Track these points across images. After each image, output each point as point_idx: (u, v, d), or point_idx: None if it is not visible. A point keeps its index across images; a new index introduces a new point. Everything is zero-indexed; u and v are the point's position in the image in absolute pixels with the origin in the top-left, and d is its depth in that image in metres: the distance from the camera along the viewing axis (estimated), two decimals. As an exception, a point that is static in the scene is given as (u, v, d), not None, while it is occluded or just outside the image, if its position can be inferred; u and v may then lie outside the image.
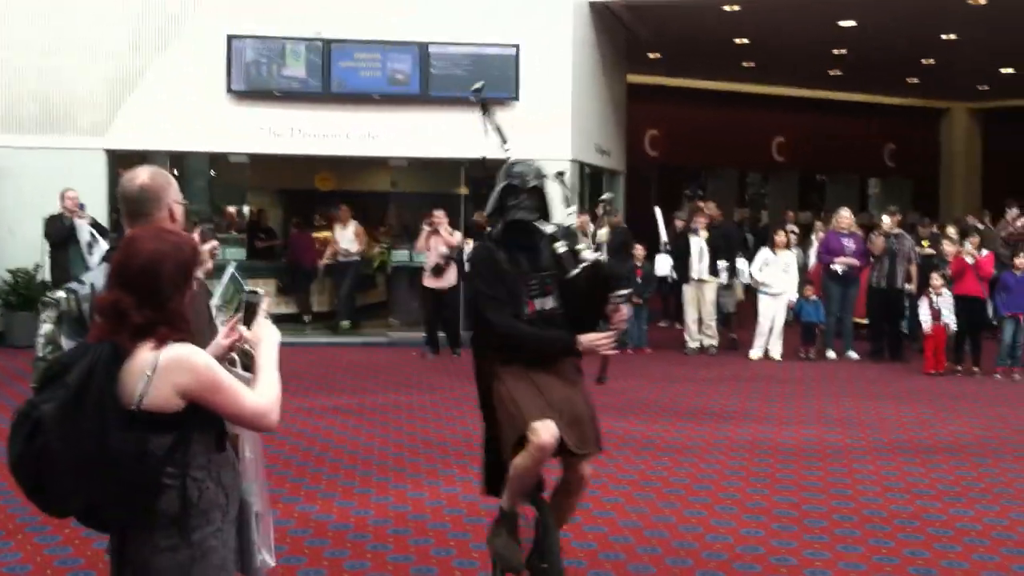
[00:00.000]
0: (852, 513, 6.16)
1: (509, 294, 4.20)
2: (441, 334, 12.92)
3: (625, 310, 4.36)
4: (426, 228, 12.82)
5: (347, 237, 14.61)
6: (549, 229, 4.34)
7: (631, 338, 13.11)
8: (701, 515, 6.11)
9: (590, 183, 15.72)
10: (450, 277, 12.69)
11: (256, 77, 13.67)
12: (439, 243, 12.64)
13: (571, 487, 4.30)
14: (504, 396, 4.18)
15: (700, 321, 13.22)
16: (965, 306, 11.57)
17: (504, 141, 4.44)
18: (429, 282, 12.77)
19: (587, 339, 4.19)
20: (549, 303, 4.27)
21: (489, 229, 4.44)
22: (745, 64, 21.49)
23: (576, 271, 4.23)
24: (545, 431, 4.02)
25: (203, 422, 2.73)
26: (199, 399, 2.68)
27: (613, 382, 10.47)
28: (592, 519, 5.97)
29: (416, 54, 13.81)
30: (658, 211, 13.73)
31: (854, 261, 12.66)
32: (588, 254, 4.26)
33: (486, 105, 4.56)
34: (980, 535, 5.79)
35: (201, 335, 2.96)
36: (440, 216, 12.74)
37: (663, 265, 13.52)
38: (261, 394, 2.78)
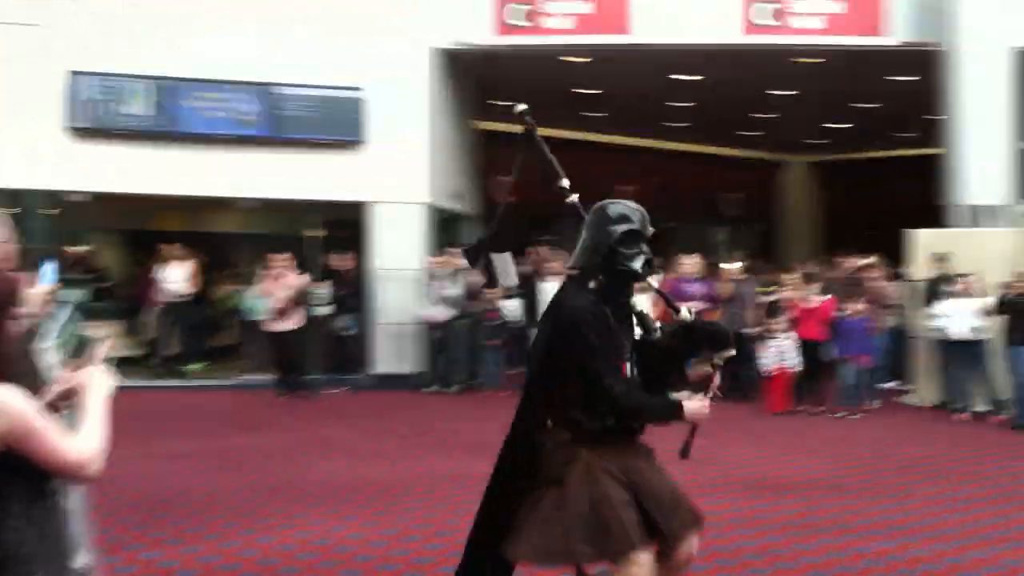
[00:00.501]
0: (701, 548, 6.25)
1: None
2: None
3: (718, 374, 3.93)
4: (266, 272, 12.72)
5: (178, 277, 14.21)
6: None
7: (488, 380, 13.21)
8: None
9: (444, 228, 15.78)
10: (294, 319, 12.58)
11: (98, 114, 13.29)
12: (279, 287, 12.53)
13: (679, 568, 3.92)
14: (602, 500, 3.65)
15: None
16: (807, 348, 12.03)
17: (559, 175, 4.10)
18: (271, 326, 12.64)
19: (693, 406, 3.81)
20: (631, 367, 3.84)
21: (578, 277, 3.84)
22: (591, 114, 22.03)
23: (658, 332, 3.88)
24: (647, 568, 3.65)
25: (23, 469, 2.57)
26: (14, 445, 2.51)
27: (469, 422, 10.45)
28: (424, 552, 5.91)
29: (260, 95, 13.69)
30: (503, 255, 13.90)
31: (700, 306, 12.99)
32: (684, 313, 3.93)
33: (532, 131, 4.22)
34: (824, 567, 5.97)
35: (27, 378, 2.80)
36: (281, 260, 12.65)
37: (513, 308, 13.62)
38: (83, 443, 2.61)
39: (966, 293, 11.73)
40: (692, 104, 20.69)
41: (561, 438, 3.76)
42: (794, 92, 19.17)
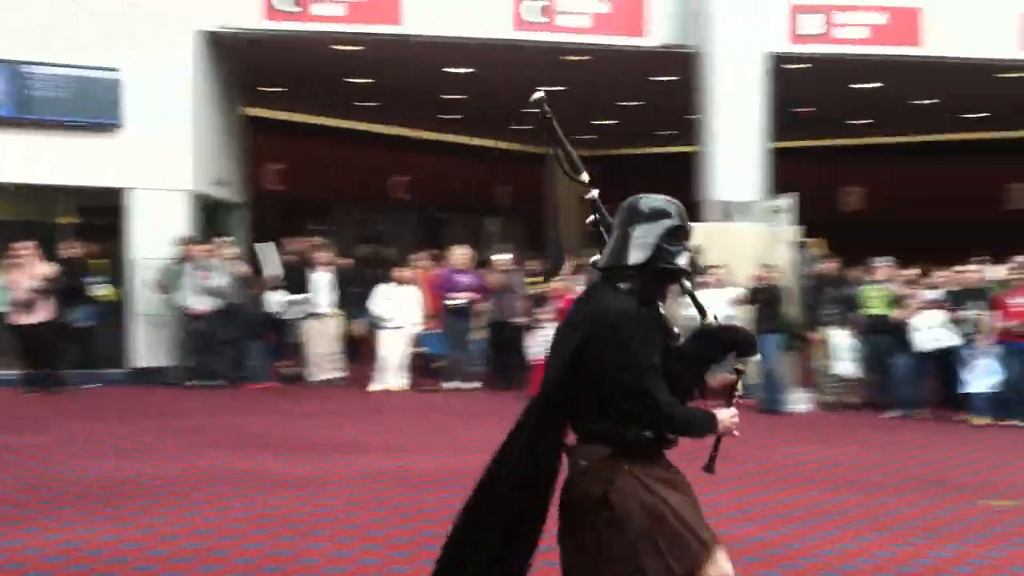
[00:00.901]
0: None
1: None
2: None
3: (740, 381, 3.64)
4: (9, 261, 11.95)
5: None
6: None
7: (253, 373, 12.90)
8: (321, 547, 6.02)
9: (210, 216, 15.27)
10: (43, 312, 11.88)
11: None
12: (24, 277, 11.81)
13: None
14: (664, 510, 3.32)
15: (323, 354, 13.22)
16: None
17: (579, 169, 3.74)
18: (17, 318, 11.89)
19: (725, 416, 3.50)
20: None
21: (608, 277, 3.48)
22: (364, 104, 21.87)
23: (680, 338, 3.55)
24: (727, 564, 3.36)
25: None
26: None
27: (233, 417, 10.14)
28: (182, 552, 5.71)
29: (7, 73, 12.85)
30: (266, 246, 13.63)
31: (471, 296, 13.17)
32: (710, 318, 3.57)
33: (549, 120, 3.76)
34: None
35: None
36: (25, 248, 11.92)
37: (276, 300, 13.30)
38: None
39: (718, 284, 12.34)
40: (465, 97, 20.87)
41: (598, 453, 3.40)
42: (563, 88, 19.65)
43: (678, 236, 3.49)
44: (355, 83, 19.41)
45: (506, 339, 13.14)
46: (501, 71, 17.63)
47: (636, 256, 3.45)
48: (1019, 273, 11.71)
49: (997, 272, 12.24)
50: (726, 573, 3.33)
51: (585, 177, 3.72)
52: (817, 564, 5.99)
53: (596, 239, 3.68)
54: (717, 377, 3.58)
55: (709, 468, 3.64)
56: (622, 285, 3.44)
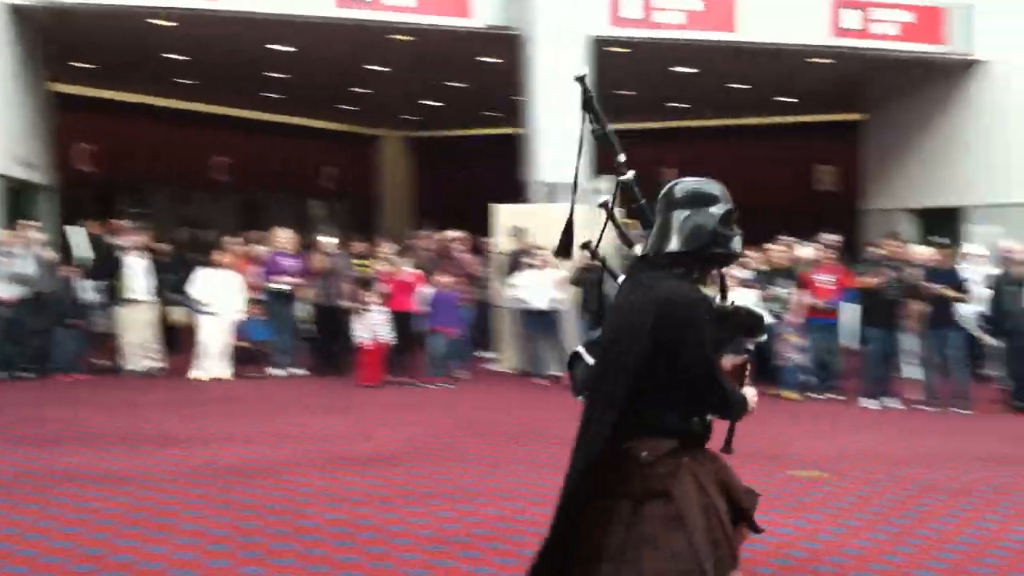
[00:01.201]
0: (287, 527, 6.21)
1: None
2: None
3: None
4: None
5: None
6: None
7: (63, 364, 12.33)
8: (133, 544, 5.80)
9: (15, 199, 14.48)
10: None
11: None
12: None
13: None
14: (714, 513, 3.32)
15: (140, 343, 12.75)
16: (400, 320, 12.29)
17: (619, 150, 3.63)
18: None
19: (751, 396, 3.49)
20: None
21: (657, 262, 3.40)
22: (182, 81, 21.15)
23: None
24: None
25: None
26: None
27: (42, 409, 9.62)
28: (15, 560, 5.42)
29: None
30: (77, 230, 13.04)
31: (295, 280, 12.93)
32: (730, 299, 3.58)
33: (591, 98, 3.63)
34: (405, 535, 6.10)
35: None
36: None
37: (90, 287, 12.73)
38: None
39: (544, 266, 12.50)
40: (288, 76, 20.44)
41: (662, 446, 3.33)
42: (388, 69, 19.48)
43: (730, 220, 3.42)
44: (173, 60, 18.74)
45: (332, 324, 12.97)
46: (324, 50, 17.34)
47: (686, 242, 3.37)
48: (825, 252, 12.29)
49: (805, 251, 12.80)
50: None
51: (622, 157, 3.62)
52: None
53: (639, 219, 3.56)
54: (728, 358, 3.57)
55: (728, 449, 3.64)
56: (676, 270, 3.38)
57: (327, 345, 13.11)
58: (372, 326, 12.16)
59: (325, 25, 15.11)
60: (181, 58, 18.65)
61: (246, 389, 11.96)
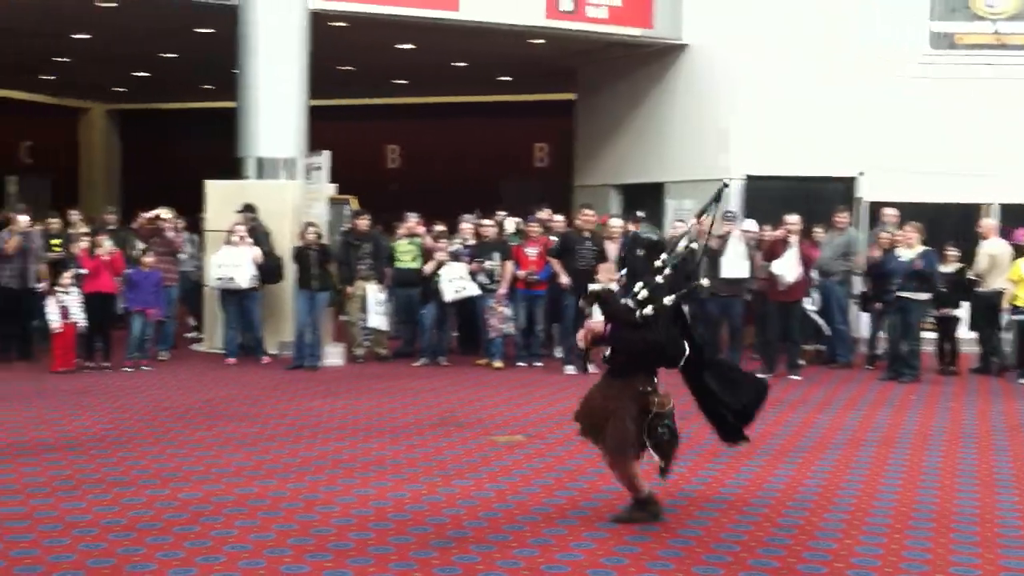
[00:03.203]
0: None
1: None
2: None
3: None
4: None
5: None
6: None
7: None
8: None
9: None
10: None
11: None
12: None
13: None
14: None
15: None
16: (96, 302, 11.65)
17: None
18: None
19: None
20: None
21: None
22: None
23: None
24: None
25: None
26: None
27: None
28: None
29: None
30: None
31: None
32: None
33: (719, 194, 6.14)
34: (90, 525, 5.80)
35: None
36: None
37: None
38: None
39: (240, 243, 12.18)
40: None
41: None
42: (89, 36, 18.38)
43: None
44: None
45: (23, 306, 12.12)
46: (25, 16, 16.12)
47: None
48: (531, 225, 12.71)
49: (509, 225, 13.17)
50: None
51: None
52: (334, 512, 6.10)
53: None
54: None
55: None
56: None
57: (17, 329, 12.24)
58: (65, 308, 11.44)
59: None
60: None
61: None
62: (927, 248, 11.71)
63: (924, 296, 11.61)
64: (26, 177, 25.23)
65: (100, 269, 11.78)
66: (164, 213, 13.23)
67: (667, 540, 5.65)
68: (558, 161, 23.73)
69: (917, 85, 15.68)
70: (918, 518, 6.17)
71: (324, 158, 13.64)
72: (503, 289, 12.08)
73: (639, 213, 13.53)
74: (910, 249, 11.60)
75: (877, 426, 9.04)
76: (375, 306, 12.39)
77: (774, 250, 11.78)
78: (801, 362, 11.91)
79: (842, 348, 12.63)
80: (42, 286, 12.10)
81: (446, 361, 12.35)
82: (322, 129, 15.02)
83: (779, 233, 11.90)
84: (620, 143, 18.48)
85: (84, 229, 12.78)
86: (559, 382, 11.16)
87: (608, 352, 5.96)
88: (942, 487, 6.93)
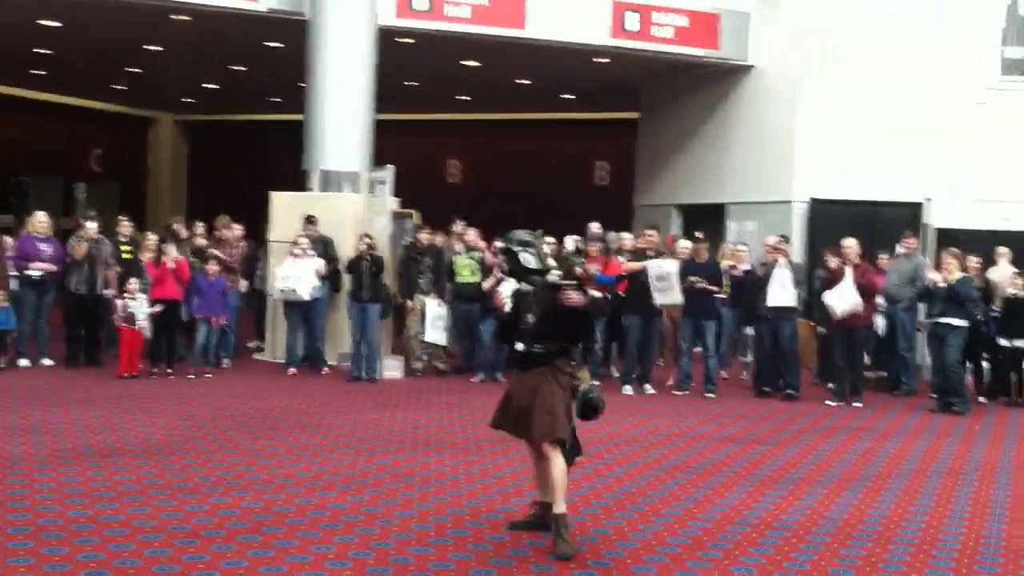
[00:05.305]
0: (27, 524, 5.88)
1: None
2: None
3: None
4: None
5: None
6: None
7: None
8: None
9: None
10: None
11: None
12: None
13: None
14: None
15: None
16: (165, 309, 11.82)
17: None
18: None
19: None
20: None
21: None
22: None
23: None
24: None
25: None
26: None
27: None
28: None
29: None
30: None
31: (51, 267, 12.25)
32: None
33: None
34: (155, 531, 5.88)
35: None
36: None
37: None
38: None
39: (302, 255, 12.30)
40: (52, 52, 19.36)
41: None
42: (162, 48, 18.73)
43: None
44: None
45: (91, 312, 12.34)
46: (100, 27, 16.48)
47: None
48: (589, 245, 12.75)
49: (571, 243, 13.17)
50: None
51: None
52: (393, 527, 6.13)
53: None
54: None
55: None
56: None
57: (86, 335, 12.47)
58: (133, 315, 11.64)
59: (99, 4, 14.36)
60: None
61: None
62: (965, 275, 11.48)
63: (960, 322, 11.31)
64: (94, 185, 25.80)
65: (165, 276, 11.97)
66: (231, 222, 13.48)
67: (729, 568, 5.60)
68: (619, 180, 23.70)
69: (987, 111, 15.45)
70: (985, 552, 6.05)
71: (388, 172, 13.77)
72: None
73: (698, 234, 13.45)
74: (949, 275, 11.37)
75: (944, 457, 8.90)
76: (434, 320, 12.46)
77: (833, 279, 11.66)
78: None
79: (906, 375, 12.45)
80: (110, 292, 12.32)
81: (504, 377, 12.36)
82: (385, 143, 15.16)
83: (834, 264, 11.79)
84: (682, 163, 18.41)
85: (152, 237, 13.00)
86: (616, 402, 11.06)
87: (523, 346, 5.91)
88: (1010, 521, 6.79)
